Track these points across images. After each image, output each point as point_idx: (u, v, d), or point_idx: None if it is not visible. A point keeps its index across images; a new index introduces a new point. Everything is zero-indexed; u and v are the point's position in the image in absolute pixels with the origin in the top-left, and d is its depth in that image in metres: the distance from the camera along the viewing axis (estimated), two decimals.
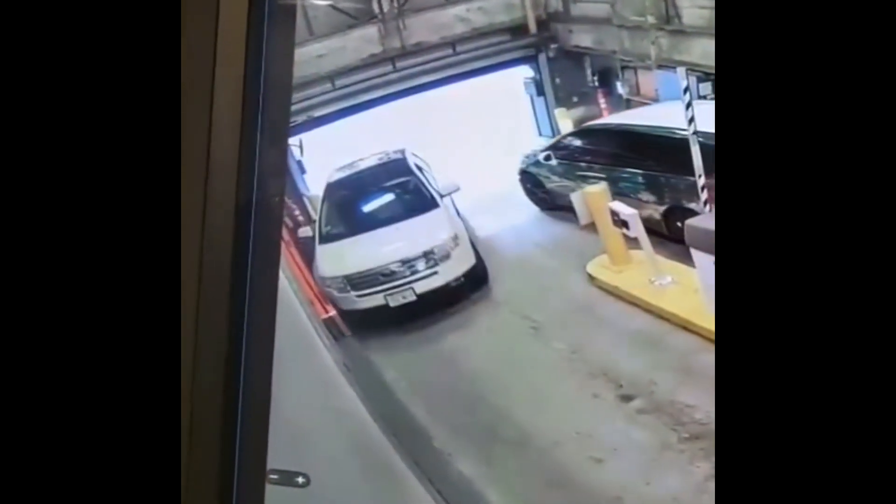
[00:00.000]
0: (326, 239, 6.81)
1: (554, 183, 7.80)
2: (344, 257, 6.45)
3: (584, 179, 7.07)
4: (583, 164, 7.25)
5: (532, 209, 8.02)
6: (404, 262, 6.25)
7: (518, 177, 8.32)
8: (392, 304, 6.15)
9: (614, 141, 6.98)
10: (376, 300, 6.15)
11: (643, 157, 6.45)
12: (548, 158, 7.60)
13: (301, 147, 8.48)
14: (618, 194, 6.40)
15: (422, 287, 6.17)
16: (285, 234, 6.71)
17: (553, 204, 7.88)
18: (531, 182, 8.20)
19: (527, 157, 8.29)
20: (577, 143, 7.53)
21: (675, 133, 5.93)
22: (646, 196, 6.34)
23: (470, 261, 6.47)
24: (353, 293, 6.18)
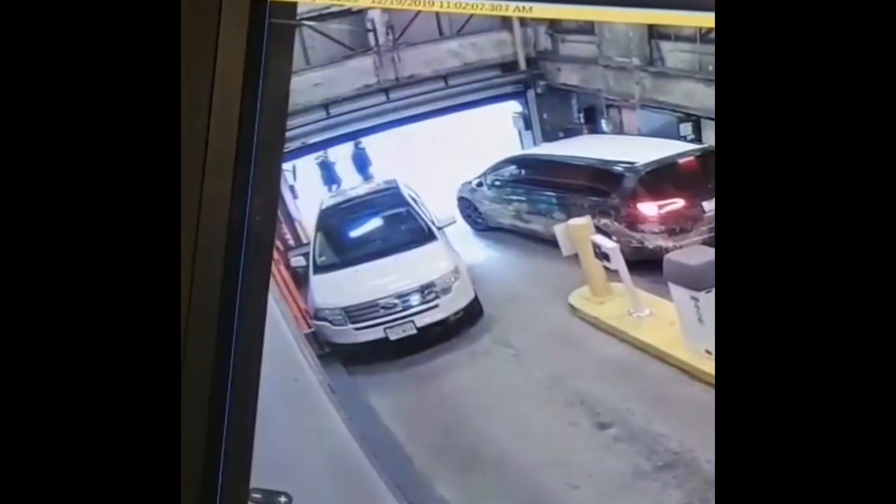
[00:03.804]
0: (321, 269, 6.67)
1: (485, 206, 8.38)
2: (341, 288, 6.38)
3: (509, 202, 7.75)
4: (508, 189, 7.87)
5: (516, 240, 8.21)
6: (405, 294, 6.26)
7: (456, 203, 8.73)
8: (392, 337, 6.08)
9: (534, 168, 7.66)
10: (376, 333, 6.09)
11: (556, 181, 7.08)
12: (480, 185, 8.22)
13: (294, 172, 8.54)
14: (535, 213, 7.18)
15: (422, 320, 6.19)
16: (275, 255, 6.75)
17: (486, 225, 8.44)
18: (467, 207, 8.72)
19: (463, 185, 8.79)
20: (505, 171, 8.16)
21: (581, 161, 6.82)
22: (558, 214, 6.81)
23: (469, 295, 6.48)
24: (351, 326, 6.10)
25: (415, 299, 6.27)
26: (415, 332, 6.09)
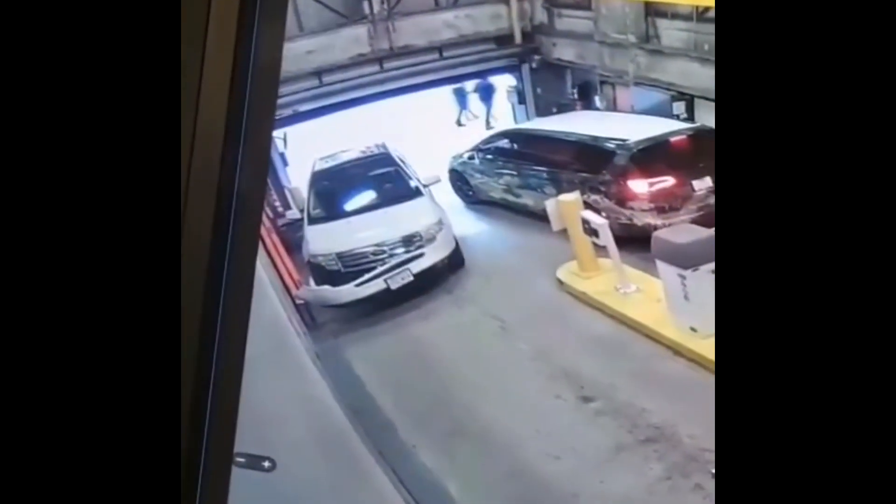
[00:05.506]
0: (316, 221, 7.28)
1: (477, 180, 8.69)
2: (334, 236, 6.91)
3: (501, 176, 8.14)
4: (500, 163, 8.20)
5: (506, 214, 8.22)
6: (392, 242, 6.76)
7: (448, 175, 9.02)
8: (393, 286, 6.46)
9: (526, 143, 8.05)
10: (377, 285, 6.43)
11: (548, 156, 7.46)
12: (472, 158, 8.62)
13: (285, 140, 8.58)
14: (526, 188, 7.64)
15: (416, 267, 6.60)
16: (266, 222, 6.85)
17: (476, 198, 8.76)
18: (458, 179, 9.03)
19: (454, 157, 9.10)
20: (497, 145, 8.47)
21: (573, 137, 7.27)
22: (549, 189, 7.21)
23: (451, 244, 7.03)
24: (352, 284, 6.41)
25: (402, 248, 6.78)
26: (412, 278, 6.55)
